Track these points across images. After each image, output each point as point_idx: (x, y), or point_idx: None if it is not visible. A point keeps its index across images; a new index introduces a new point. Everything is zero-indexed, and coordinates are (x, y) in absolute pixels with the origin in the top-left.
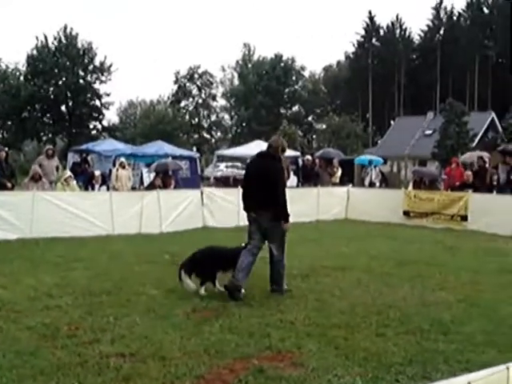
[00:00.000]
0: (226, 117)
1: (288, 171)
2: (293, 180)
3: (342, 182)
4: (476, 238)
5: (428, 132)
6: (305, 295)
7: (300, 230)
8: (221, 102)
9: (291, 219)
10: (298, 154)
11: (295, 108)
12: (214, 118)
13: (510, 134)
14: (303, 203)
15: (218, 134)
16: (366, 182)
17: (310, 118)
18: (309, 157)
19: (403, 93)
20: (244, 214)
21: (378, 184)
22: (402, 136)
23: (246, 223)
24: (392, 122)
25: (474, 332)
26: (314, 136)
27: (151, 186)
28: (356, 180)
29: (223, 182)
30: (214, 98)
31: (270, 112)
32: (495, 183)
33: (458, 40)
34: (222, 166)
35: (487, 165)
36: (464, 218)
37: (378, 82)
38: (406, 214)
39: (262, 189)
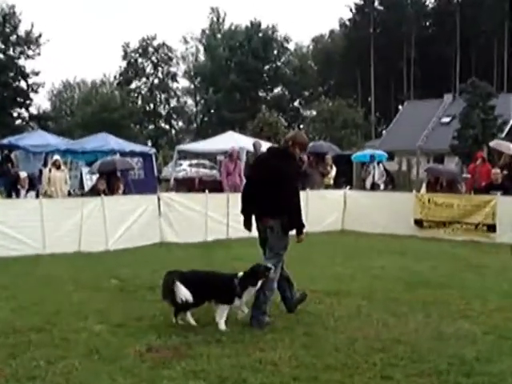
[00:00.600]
0: (190, 102)
1: None
2: None
3: (338, 184)
4: (507, 254)
5: (445, 120)
6: (291, 328)
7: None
8: (183, 82)
9: None
10: None
11: (277, 90)
12: (174, 103)
13: None
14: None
15: (180, 123)
16: (368, 184)
17: (296, 103)
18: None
19: (413, 70)
20: (213, 227)
21: (382, 186)
22: (412, 125)
23: (216, 237)
24: (400, 108)
25: (504, 372)
26: (302, 126)
27: (94, 191)
28: (355, 181)
29: (187, 184)
30: (173, 77)
31: (245, 95)
32: None
33: (482, 2)
34: (185, 164)
35: None
36: (491, 228)
37: (382, 56)
38: (418, 223)
39: (271, 193)
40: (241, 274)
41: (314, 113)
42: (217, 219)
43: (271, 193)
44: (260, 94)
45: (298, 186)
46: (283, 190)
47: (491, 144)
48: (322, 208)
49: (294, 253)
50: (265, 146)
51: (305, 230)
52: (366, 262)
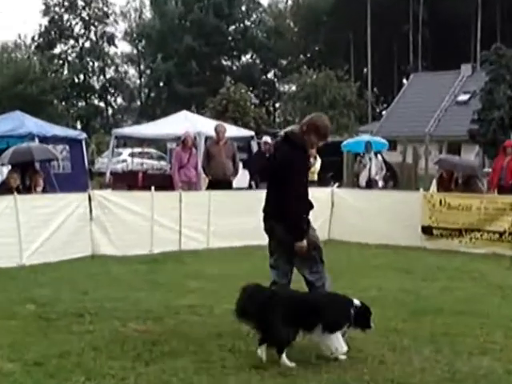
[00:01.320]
0: (132, 72)
1: (235, 162)
2: (243, 177)
3: (323, 180)
4: None
5: (462, 98)
6: (262, 366)
7: (255, 258)
8: (122, 47)
9: (240, 241)
10: (250, 133)
11: (246, 58)
12: (111, 73)
13: None
14: (258, 214)
15: (119, 100)
16: (363, 180)
17: (270, 75)
18: (268, 138)
19: (422, 33)
20: (162, 236)
21: (380, 183)
22: (420, 104)
23: (165, 249)
24: (405, 82)
25: None
26: (278, 104)
27: (4, 188)
28: (346, 176)
29: (127, 180)
30: (110, 40)
31: (204, 64)
32: None
33: None
34: (126, 153)
35: None
36: None
37: (382, 15)
38: (427, 230)
39: (274, 189)
40: (357, 302)
41: (294, 88)
42: (166, 225)
43: (275, 190)
44: (224, 62)
45: (301, 183)
46: (282, 188)
47: None
48: None
49: (265, 269)
50: (230, 130)
51: (240, 242)
52: (359, 282)
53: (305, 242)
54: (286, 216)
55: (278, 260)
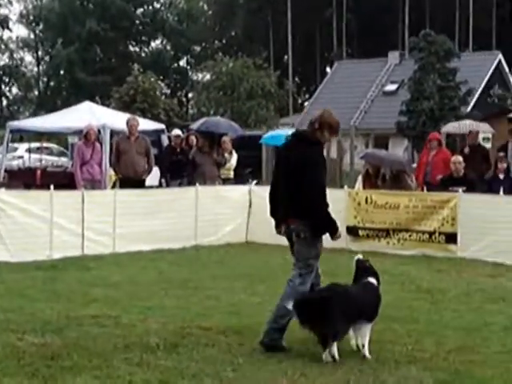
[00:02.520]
0: (29, 58)
1: (149, 159)
2: (153, 174)
3: (240, 177)
4: (471, 273)
5: (390, 87)
6: (169, 382)
7: (162, 263)
8: (18, 30)
9: (149, 245)
10: (160, 126)
11: (156, 44)
12: (4, 60)
13: None
14: (170, 215)
15: (14, 89)
16: None
17: (182, 63)
18: (179, 132)
19: (346, 18)
20: (62, 240)
21: None
22: (344, 95)
23: (67, 254)
24: (328, 70)
25: None
26: (191, 94)
27: None
28: (265, 173)
29: (23, 178)
30: (4, 23)
31: (109, 50)
32: (503, 176)
33: None
34: (22, 149)
35: (488, 144)
36: (451, 238)
37: None
38: (353, 231)
39: (294, 189)
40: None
41: (208, 76)
42: (67, 228)
43: (294, 189)
44: (131, 48)
45: (322, 179)
46: (306, 185)
47: (442, 130)
48: (217, 211)
49: (177, 276)
50: (142, 123)
51: (146, 246)
52: (280, 288)
53: (340, 232)
54: (316, 212)
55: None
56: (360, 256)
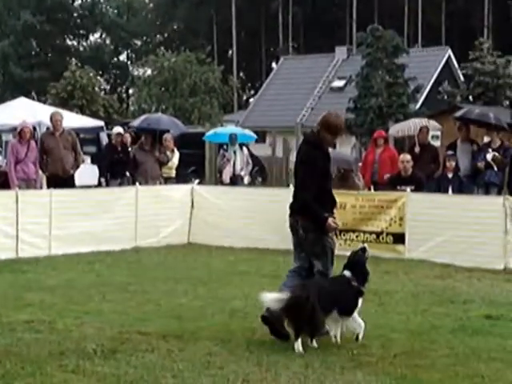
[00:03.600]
0: None
1: (77, 154)
2: (91, 173)
3: (182, 176)
4: (419, 274)
5: (337, 84)
6: None
7: (100, 266)
8: None
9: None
10: (99, 123)
11: (95, 38)
12: None
13: (477, 86)
14: (109, 216)
15: None
16: (226, 176)
17: (122, 57)
18: (120, 129)
19: (293, 12)
20: None
21: (247, 179)
22: (291, 91)
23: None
24: (274, 66)
25: None
26: (131, 90)
27: None
28: (209, 172)
29: None
30: None
31: (45, 44)
32: (451, 175)
33: None
34: None
35: (438, 142)
36: (399, 239)
37: None
38: None
39: (295, 187)
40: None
41: (149, 72)
42: (1, 230)
43: (295, 187)
44: (68, 42)
45: (311, 178)
46: (298, 183)
47: (391, 132)
48: (158, 212)
49: (116, 279)
50: (75, 119)
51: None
52: (223, 291)
53: (330, 221)
54: (303, 209)
55: (301, 254)
56: (364, 245)
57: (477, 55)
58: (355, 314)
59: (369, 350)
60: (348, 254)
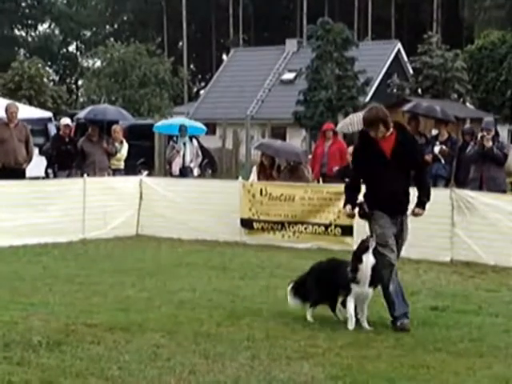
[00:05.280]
0: None
1: (29, 147)
2: (38, 164)
3: (131, 168)
4: None
5: (287, 76)
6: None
7: (47, 258)
8: None
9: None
10: (47, 114)
11: (43, 28)
12: None
13: (426, 79)
14: (56, 208)
15: None
16: (176, 168)
17: (71, 48)
18: (68, 121)
19: (243, 4)
20: None
21: (196, 171)
22: (241, 83)
23: None
24: (224, 58)
25: None
26: (80, 81)
27: None
28: (158, 163)
29: None
30: None
31: None
32: None
33: None
34: None
35: None
36: (347, 231)
37: None
38: (247, 224)
39: None
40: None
41: (99, 63)
42: None
43: None
44: (16, 32)
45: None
46: None
47: (340, 129)
48: (107, 203)
49: (62, 271)
50: (23, 110)
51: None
52: (170, 283)
53: (346, 208)
54: None
55: None
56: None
57: (426, 49)
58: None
59: (315, 341)
60: (297, 246)
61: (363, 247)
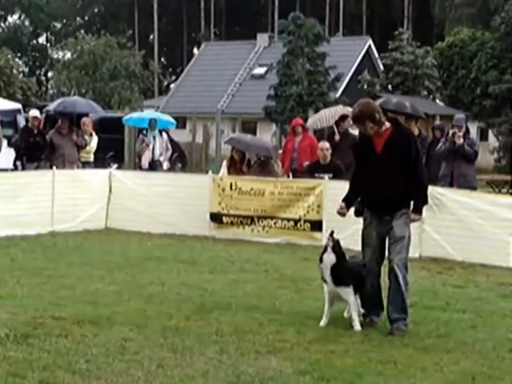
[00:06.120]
0: None
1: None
2: (7, 156)
3: (101, 161)
4: None
5: (258, 71)
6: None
7: (15, 250)
8: None
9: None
10: (16, 106)
11: (13, 19)
12: None
13: (396, 75)
14: (24, 200)
15: None
16: (145, 161)
17: (41, 40)
18: (36, 113)
19: None
20: None
21: (166, 164)
22: (212, 77)
23: None
24: (195, 52)
25: None
26: (50, 73)
27: None
28: (127, 156)
29: None
30: None
31: None
32: None
33: None
34: None
35: (356, 131)
36: (316, 226)
37: None
38: (217, 218)
39: None
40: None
41: (69, 55)
42: None
43: None
44: None
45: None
46: None
47: (309, 125)
48: (76, 196)
49: (29, 264)
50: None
51: None
52: (139, 276)
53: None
54: None
55: None
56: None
57: (396, 45)
58: None
59: (284, 335)
60: (266, 240)
61: (324, 246)
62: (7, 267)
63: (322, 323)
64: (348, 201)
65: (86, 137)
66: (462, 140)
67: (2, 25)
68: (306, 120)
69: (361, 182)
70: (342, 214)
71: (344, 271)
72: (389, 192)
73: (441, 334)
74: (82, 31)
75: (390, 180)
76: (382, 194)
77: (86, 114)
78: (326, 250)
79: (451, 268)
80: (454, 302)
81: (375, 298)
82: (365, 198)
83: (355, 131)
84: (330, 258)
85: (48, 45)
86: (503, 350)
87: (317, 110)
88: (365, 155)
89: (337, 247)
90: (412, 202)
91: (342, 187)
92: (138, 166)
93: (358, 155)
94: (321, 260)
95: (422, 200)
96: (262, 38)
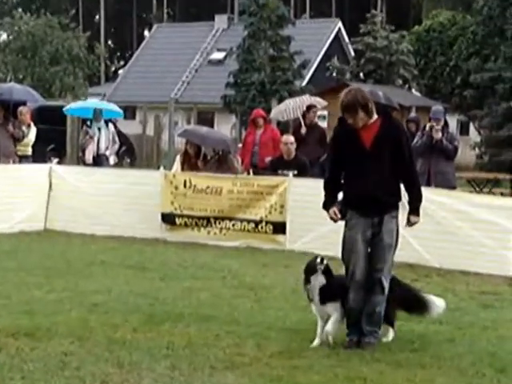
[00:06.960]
0: None
1: None
2: None
3: (40, 155)
4: (300, 267)
5: (216, 56)
6: None
7: None
8: None
9: None
10: None
11: None
12: None
13: (368, 62)
14: None
15: None
16: (89, 155)
17: None
18: None
19: None
20: None
21: (112, 159)
22: (164, 63)
23: None
24: (146, 34)
25: None
26: None
27: None
28: (70, 150)
29: None
30: None
31: None
32: None
33: None
34: None
35: (324, 123)
36: (279, 228)
37: None
38: (169, 219)
39: None
40: None
41: (5, 36)
42: None
43: None
44: None
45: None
46: None
47: (273, 117)
48: (11, 194)
49: None
50: None
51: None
52: (82, 283)
53: (330, 212)
54: None
55: None
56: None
57: (369, 29)
58: None
59: (242, 349)
60: (223, 244)
61: (311, 267)
62: None
63: (315, 343)
64: (328, 206)
65: (24, 128)
66: (440, 134)
67: None
68: (268, 111)
69: (341, 182)
70: (335, 220)
71: (332, 289)
72: (379, 192)
73: (415, 348)
74: (20, 10)
75: (380, 178)
76: (373, 194)
77: (24, 103)
78: (312, 271)
79: (428, 275)
80: None
81: (357, 315)
82: (350, 198)
83: (323, 123)
84: (318, 279)
85: None
86: (483, 365)
87: (281, 100)
88: (349, 150)
89: (327, 271)
90: (407, 203)
91: (308, 185)
92: (81, 161)
93: (339, 151)
94: (307, 281)
95: (419, 199)
96: (221, 20)
